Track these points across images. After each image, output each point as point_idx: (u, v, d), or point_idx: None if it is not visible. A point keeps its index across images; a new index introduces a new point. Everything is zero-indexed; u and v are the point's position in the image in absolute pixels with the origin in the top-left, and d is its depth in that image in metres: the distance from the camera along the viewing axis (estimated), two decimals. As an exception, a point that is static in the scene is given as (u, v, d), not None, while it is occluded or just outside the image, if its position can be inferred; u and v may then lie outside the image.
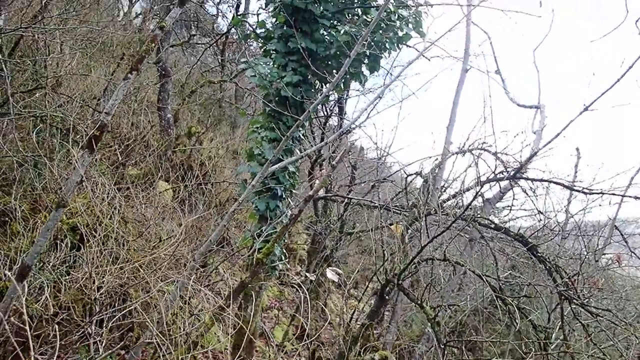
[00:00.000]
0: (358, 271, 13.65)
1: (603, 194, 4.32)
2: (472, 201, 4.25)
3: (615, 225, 6.83)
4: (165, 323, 4.64)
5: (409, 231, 4.67)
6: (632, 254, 6.57)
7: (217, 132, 12.48)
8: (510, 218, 8.32)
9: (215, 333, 8.81)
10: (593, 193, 4.38)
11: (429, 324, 3.91)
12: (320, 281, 10.28)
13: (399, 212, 7.19)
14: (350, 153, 10.70)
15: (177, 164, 10.33)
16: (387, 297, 4.61)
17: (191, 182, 9.63)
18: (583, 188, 4.45)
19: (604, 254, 9.13)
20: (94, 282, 4.69)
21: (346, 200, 8.21)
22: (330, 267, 5.50)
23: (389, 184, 10.38)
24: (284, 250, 6.78)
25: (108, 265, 5.18)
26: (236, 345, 6.29)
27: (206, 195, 9.62)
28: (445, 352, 3.68)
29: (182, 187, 9.00)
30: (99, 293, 4.53)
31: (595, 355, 4.04)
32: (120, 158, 8.75)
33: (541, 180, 4.56)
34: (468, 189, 4.32)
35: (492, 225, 4.74)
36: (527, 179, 4.66)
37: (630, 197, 4.32)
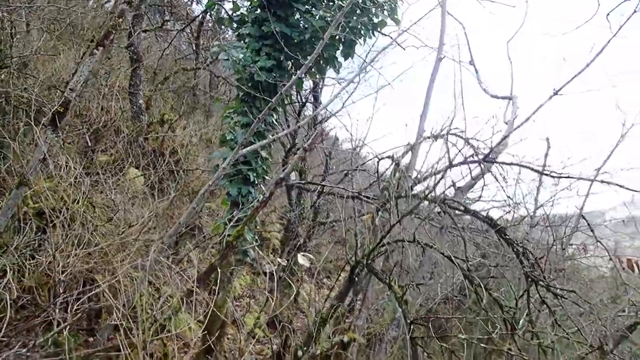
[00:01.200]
0: (331, 261, 13.70)
1: (570, 177, 4.41)
2: (440, 180, 4.27)
3: (582, 215, 6.96)
4: (132, 307, 4.57)
5: (379, 214, 4.68)
6: (598, 242, 6.71)
7: (190, 120, 12.31)
8: (482, 209, 8.43)
9: (186, 320, 8.74)
10: (561, 177, 4.46)
11: (397, 303, 3.93)
12: (293, 270, 10.27)
13: (371, 202, 7.21)
14: (324, 139, 10.69)
15: (149, 151, 10.15)
16: (356, 278, 4.62)
17: (163, 169, 9.48)
18: (551, 172, 4.52)
19: (571, 244, 9.34)
20: (58, 265, 4.57)
21: (319, 188, 8.20)
22: (301, 253, 5.47)
23: (363, 174, 10.41)
24: (256, 237, 6.74)
25: (74, 249, 5.07)
26: (207, 330, 6.23)
27: (178, 182, 9.49)
28: (412, 328, 3.71)
29: (154, 174, 8.85)
30: (63, 275, 4.42)
31: (560, 335, 4.13)
32: (89, 143, 8.56)
33: (511, 164, 4.62)
34: (439, 171, 4.34)
35: (462, 208, 4.78)
36: (497, 162, 4.71)
37: (597, 180, 4.41)
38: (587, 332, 4.20)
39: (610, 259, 6.55)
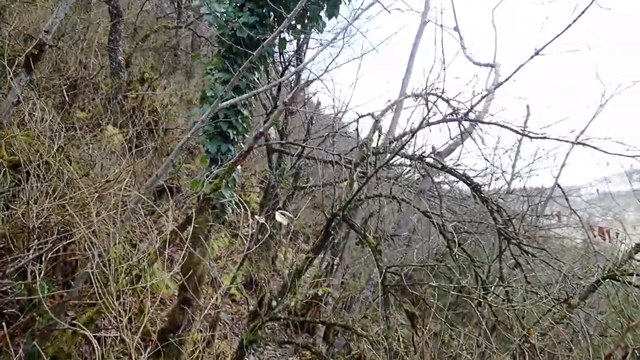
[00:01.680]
0: (310, 225, 13.80)
1: (549, 138, 4.46)
2: (417, 131, 4.26)
3: (557, 184, 7.10)
4: (108, 258, 4.55)
5: (357, 170, 4.70)
6: (572, 211, 6.86)
7: (171, 80, 12.11)
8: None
9: (161, 278, 8.77)
10: (538, 137, 4.50)
11: (371, 252, 4.00)
12: (272, 234, 10.32)
13: (351, 167, 7.23)
14: (306, 103, 10.63)
15: (128, 109, 9.99)
16: (332, 232, 4.66)
17: (142, 127, 9.35)
18: (529, 132, 4.56)
19: (546, 216, 9.54)
20: (32, 213, 4.52)
21: (300, 149, 8.18)
22: (279, 211, 5.48)
23: (344, 141, 10.40)
24: (235, 195, 6.73)
25: (49, 200, 5.01)
26: (183, 287, 6.25)
27: (157, 142, 9.38)
28: (385, 276, 3.78)
29: (132, 132, 8.73)
30: (38, 222, 4.38)
31: (528, 289, 4.25)
32: (67, 98, 8.38)
33: (490, 123, 4.65)
34: (418, 129, 4.35)
35: (439, 165, 4.83)
36: (476, 120, 4.73)
37: (575, 143, 4.47)
38: (555, 288, 4.32)
39: (583, 226, 6.69)
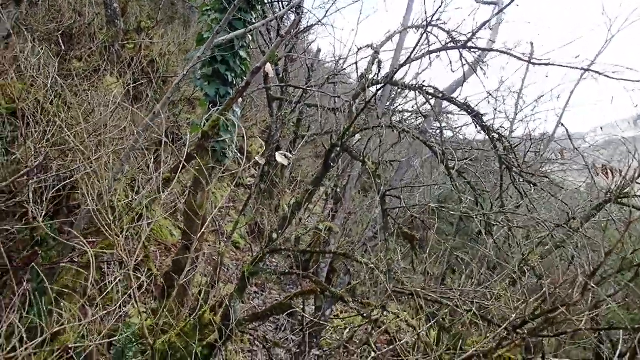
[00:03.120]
0: (313, 175, 13.78)
1: (551, 65, 4.33)
2: (416, 58, 4.16)
3: (561, 122, 7.01)
4: (109, 197, 4.56)
5: (357, 101, 4.63)
6: (575, 149, 6.79)
7: (168, 29, 11.89)
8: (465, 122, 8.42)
9: (167, 227, 8.85)
10: (542, 64, 4.36)
11: (371, 177, 3.99)
12: (274, 182, 10.35)
13: (350, 100, 7.10)
14: (307, 47, 10.43)
15: (126, 59, 9.84)
16: (331, 163, 4.64)
17: (140, 77, 9.23)
18: (533, 58, 4.43)
19: (549, 159, 9.48)
20: (31, 152, 4.50)
21: (300, 92, 8.08)
22: (280, 152, 5.45)
23: (346, 89, 10.26)
24: (236, 141, 6.69)
25: (48, 143, 4.99)
26: (186, 231, 6.30)
27: (157, 92, 9.28)
28: (385, 200, 3.80)
29: (131, 81, 8.62)
30: (36, 162, 4.37)
31: (529, 216, 4.26)
32: (63, 46, 8.24)
33: (491, 50, 4.53)
34: (417, 57, 4.25)
35: (440, 95, 4.74)
36: (477, 48, 4.60)
37: (584, 69, 4.35)
38: (557, 213, 4.33)
39: (586, 165, 6.63)
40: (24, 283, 4.16)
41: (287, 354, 5.08)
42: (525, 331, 2.75)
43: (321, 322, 4.30)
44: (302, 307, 4.45)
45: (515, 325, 2.74)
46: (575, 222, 4.17)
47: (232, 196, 10.39)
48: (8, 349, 2.52)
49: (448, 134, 9.69)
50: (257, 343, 4.97)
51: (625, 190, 4.21)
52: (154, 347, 3.40)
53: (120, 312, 3.29)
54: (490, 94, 5.37)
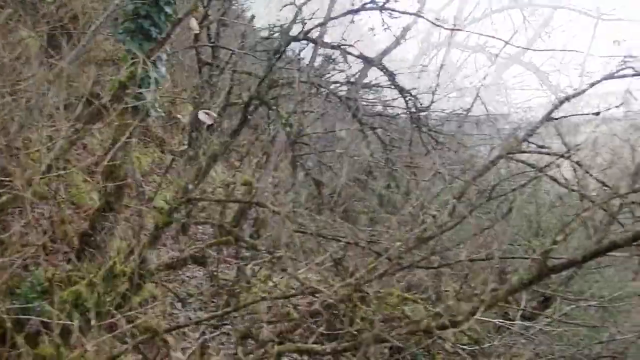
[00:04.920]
0: (244, 145, 13.68)
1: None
2: (336, 17, 4.21)
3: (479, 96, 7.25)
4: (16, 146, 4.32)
5: (276, 56, 4.62)
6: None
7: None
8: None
9: (87, 191, 8.51)
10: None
11: (282, 125, 4.02)
12: (204, 150, 10.14)
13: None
14: (241, 12, 10.24)
15: (46, 14, 9.26)
16: (249, 116, 4.63)
17: (60, 32, 8.72)
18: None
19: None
20: None
21: (230, 56, 7.91)
22: (202, 110, 5.36)
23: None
24: (160, 104, 6.49)
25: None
26: (104, 191, 6.07)
27: (77, 48, 8.78)
28: (295, 148, 3.85)
29: (48, 36, 8.13)
30: None
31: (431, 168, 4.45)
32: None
33: (411, 14, 4.60)
34: (337, 17, 4.26)
35: (358, 55, 4.80)
36: (395, 10, 4.60)
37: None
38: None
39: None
40: None
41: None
42: (404, 262, 2.87)
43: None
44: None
45: (396, 255, 2.84)
46: (467, 175, 4.39)
47: (159, 163, 10.13)
48: None
49: (378, 108, 9.87)
50: (170, 294, 4.93)
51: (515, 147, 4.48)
52: (62, 297, 3.31)
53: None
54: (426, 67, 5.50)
